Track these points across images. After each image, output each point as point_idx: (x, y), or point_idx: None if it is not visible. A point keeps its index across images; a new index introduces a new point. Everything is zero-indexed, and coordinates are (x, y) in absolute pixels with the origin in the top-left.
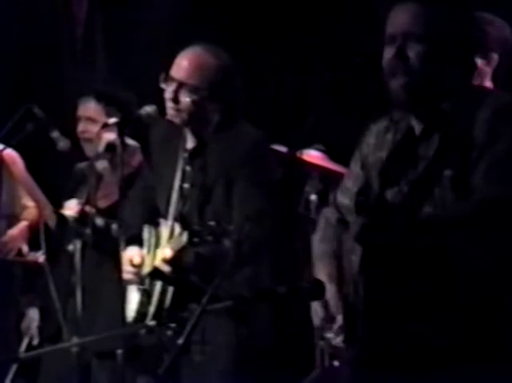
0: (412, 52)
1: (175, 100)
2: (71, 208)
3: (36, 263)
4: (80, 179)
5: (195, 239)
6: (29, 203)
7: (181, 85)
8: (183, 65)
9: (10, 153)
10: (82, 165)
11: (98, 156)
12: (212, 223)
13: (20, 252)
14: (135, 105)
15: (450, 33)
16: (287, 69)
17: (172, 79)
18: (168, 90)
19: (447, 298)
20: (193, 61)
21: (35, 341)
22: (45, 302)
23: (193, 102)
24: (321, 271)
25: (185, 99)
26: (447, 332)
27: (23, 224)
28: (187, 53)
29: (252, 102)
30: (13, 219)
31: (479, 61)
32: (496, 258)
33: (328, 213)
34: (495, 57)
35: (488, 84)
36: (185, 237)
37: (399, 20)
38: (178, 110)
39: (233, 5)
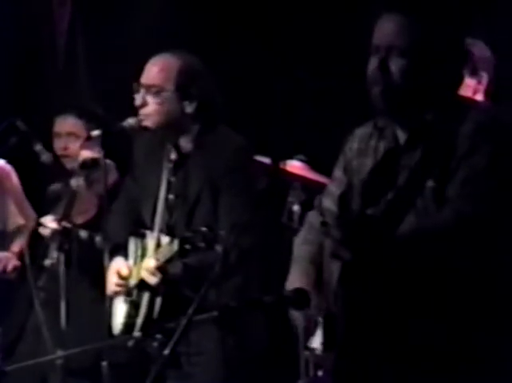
0: (394, 65)
1: (143, 104)
2: (49, 222)
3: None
4: (54, 200)
5: (187, 246)
6: (21, 221)
7: (147, 89)
8: (148, 69)
9: (4, 166)
10: (56, 186)
11: (73, 174)
12: (204, 229)
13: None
14: (113, 122)
15: (436, 47)
16: (271, 81)
17: (141, 85)
18: (137, 97)
19: (427, 307)
20: (158, 64)
21: None
22: (6, 317)
23: (159, 104)
24: (297, 274)
25: (152, 101)
26: (429, 342)
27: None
28: (153, 59)
29: (236, 112)
30: (4, 236)
31: (471, 81)
32: (475, 268)
33: (312, 217)
34: (485, 75)
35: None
36: (175, 246)
37: (384, 31)
38: (147, 114)
39: (217, 16)
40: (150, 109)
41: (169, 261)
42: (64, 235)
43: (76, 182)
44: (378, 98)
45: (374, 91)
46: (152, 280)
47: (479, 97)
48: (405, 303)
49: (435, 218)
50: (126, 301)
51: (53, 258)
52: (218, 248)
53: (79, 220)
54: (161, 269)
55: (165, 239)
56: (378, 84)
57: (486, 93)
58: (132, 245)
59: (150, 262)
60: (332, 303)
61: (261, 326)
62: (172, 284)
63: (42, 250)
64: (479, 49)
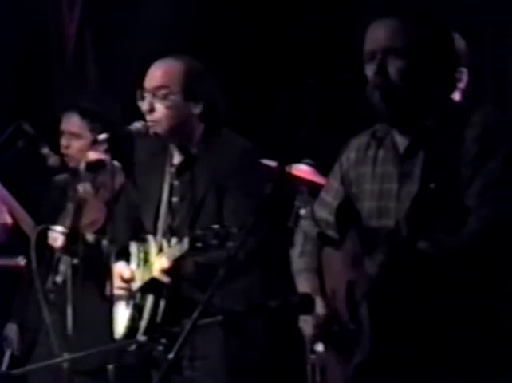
0: (392, 67)
1: (151, 109)
2: (56, 238)
3: (17, 267)
4: (61, 191)
5: (198, 244)
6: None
7: (154, 94)
8: (153, 74)
9: None
10: (61, 177)
11: (79, 177)
12: (216, 227)
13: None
14: (118, 121)
15: (430, 48)
16: (277, 85)
17: (145, 90)
18: (144, 103)
19: (457, 313)
20: (162, 68)
21: (17, 353)
22: (22, 317)
23: (168, 107)
24: (304, 286)
25: (160, 106)
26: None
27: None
28: (156, 64)
29: (242, 117)
30: None
31: None
32: (499, 276)
33: (307, 227)
34: (465, 71)
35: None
36: (185, 244)
37: (378, 36)
38: (156, 120)
39: (223, 20)
40: (159, 115)
41: (179, 259)
42: (71, 239)
43: (82, 187)
44: (380, 102)
45: (375, 95)
46: (166, 279)
47: (456, 96)
48: (434, 311)
49: (463, 234)
50: (129, 304)
51: (64, 274)
52: (230, 245)
53: (88, 230)
54: (174, 267)
55: (173, 239)
56: (379, 88)
57: (464, 91)
58: (134, 249)
59: (163, 262)
60: (345, 313)
61: (266, 331)
62: (183, 282)
63: (49, 257)
64: (456, 42)
